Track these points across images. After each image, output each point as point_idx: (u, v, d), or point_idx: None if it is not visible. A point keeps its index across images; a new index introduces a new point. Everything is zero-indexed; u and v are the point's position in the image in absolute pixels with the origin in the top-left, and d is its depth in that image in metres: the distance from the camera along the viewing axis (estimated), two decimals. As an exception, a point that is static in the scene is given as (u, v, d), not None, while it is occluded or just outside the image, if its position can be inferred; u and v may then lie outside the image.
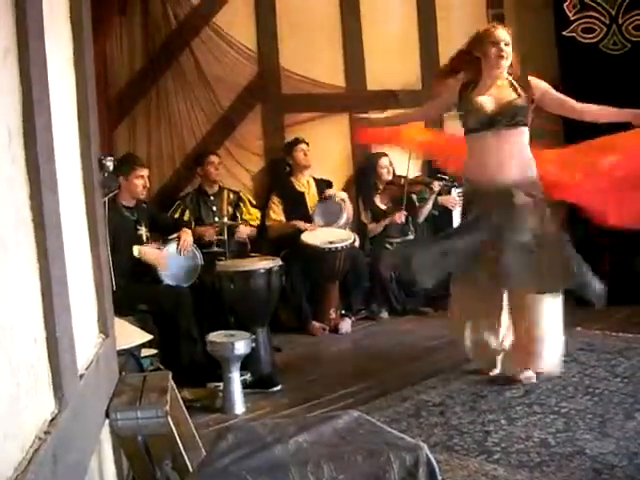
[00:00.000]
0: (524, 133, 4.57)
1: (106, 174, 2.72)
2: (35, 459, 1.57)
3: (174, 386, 2.88)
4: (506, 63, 4.55)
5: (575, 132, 6.15)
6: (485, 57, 4.57)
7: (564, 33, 7.02)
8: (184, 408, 2.99)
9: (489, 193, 4.57)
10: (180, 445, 2.52)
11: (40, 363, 1.80)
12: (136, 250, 5.45)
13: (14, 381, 1.59)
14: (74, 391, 1.98)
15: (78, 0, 2.58)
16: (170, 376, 2.90)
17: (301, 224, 6.78)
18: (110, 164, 2.71)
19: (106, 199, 2.98)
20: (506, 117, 4.48)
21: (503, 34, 4.54)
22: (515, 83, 4.59)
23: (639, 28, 6.89)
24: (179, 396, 2.97)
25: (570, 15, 6.99)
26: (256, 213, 6.91)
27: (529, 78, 4.64)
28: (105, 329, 2.66)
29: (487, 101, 4.54)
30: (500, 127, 4.49)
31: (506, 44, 4.53)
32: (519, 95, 4.54)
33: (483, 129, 4.54)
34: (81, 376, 2.14)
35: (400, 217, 7.05)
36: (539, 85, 4.64)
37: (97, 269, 2.60)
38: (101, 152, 2.79)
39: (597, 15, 6.94)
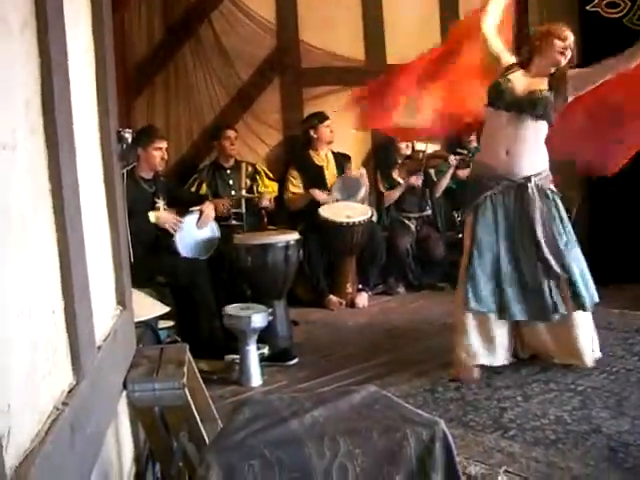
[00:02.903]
0: (542, 127, 4.47)
1: (124, 146, 2.71)
2: (53, 430, 1.57)
3: (191, 358, 2.88)
4: (563, 62, 4.46)
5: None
6: (546, 49, 4.47)
7: (587, 8, 6.92)
8: (201, 380, 3.00)
9: (496, 181, 4.52)
10: (197, 417, 2.53)
11: (58, 334, 1.80)
12: (153, 216, 5.46)
13: (32, 352, 1.59)
14: (92, 363, 1.98)
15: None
16: (187, 348, 2.91)
17: (318, 193, 6.77)
18: (129, 136, 2.70)
19: (124, 171, 2.97)
20: (528, 105, 4.39)
21: (571, 36, 4.48)
22: (553, 78, 4.51)
23: (665, 2, 6.80)
24: (196, 368, 2.97)
25: (594, -11, 6.89)
26: (272, 185, 6.90)
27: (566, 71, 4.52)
28: (123, 301, 2.66)
29: (518, 83, 4.45)
30: (519, 113, 4.41)
31: (570, 47, 4.47)
32: (550, 89, 4.45)
33: (502, 108, 4.45)
34: (99, 348, 2.14)
35: (417, 180, 7.02)
36: (573, 73, 4.51)
37: (115, 241, 2.60)
38: (119, 125, 2.78)
39: (621, -10, 6.85)
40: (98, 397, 2.04)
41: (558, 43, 4.41)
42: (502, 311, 4.46)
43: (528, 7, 7.34)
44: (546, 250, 4.40)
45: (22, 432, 1.45)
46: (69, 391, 1.78)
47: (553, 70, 4.48)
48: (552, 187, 4.55)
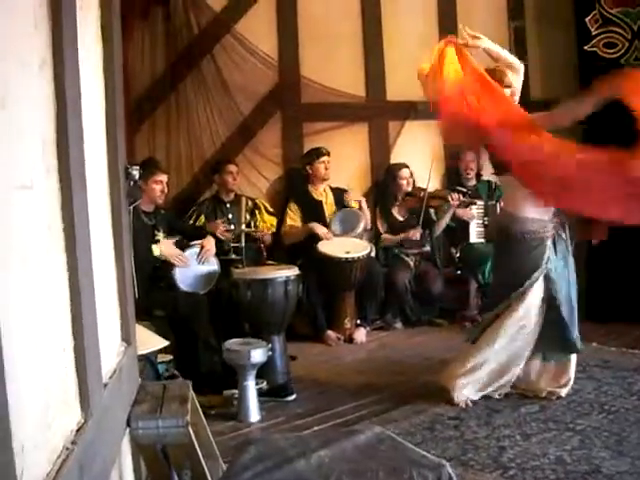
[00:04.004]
0: None
1: (132, 183, 2.73)
2: (62, 470, 1.57)
3: (194, 395, 2.88)
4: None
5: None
6: None
7: (586, 47, 7.00)
8: (203, 417, 2.99)
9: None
10: (200, 455, 2.53)
11: (68, 373, 1.80)
12: (157, 250, 5.47)
13: (45, 392, 1.59)
14: (99, 401, 1.98)
15: (108, 8, 2.59)
16: (190, 385, 2.91)
17: (317, 227, 6.79)
18: (136, 173, 2.72)
19: (131, 208, 2.98)
20: None
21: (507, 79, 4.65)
22: None
23: (661, 44, 6.89)
24: (198, 405, 2.97)
25: (592, 30, 6.97)
26: (271, 220, 6.91)
27: None
28: (127, 337, 2.66)
29: None
30: None
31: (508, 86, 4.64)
32: None
33: None
34: (105, 385, 2.14)
35: (415, 234, 7.05)
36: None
37: (120, 277, 2.61)
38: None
39: (619, 30, 6.92)
40: (104, 435, 2.03)
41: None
42: None
43: (527, 47, 7.44)
44: None
45: (34, 473, 1.45)
46: (77, 430, 1.78)
47: None
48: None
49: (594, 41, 6.99)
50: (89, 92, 2.27)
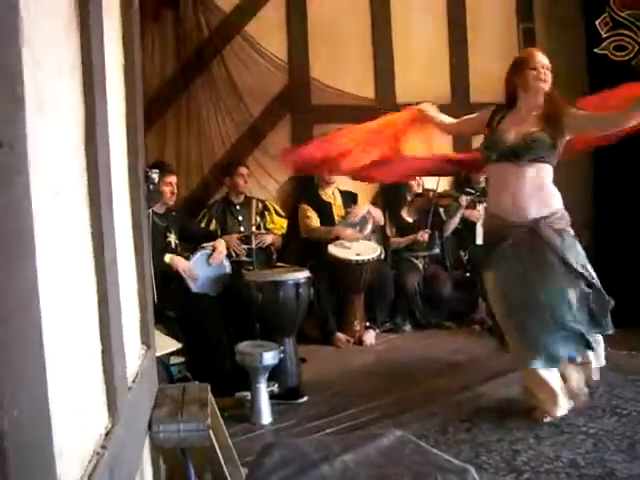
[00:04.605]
0: (544, 169, 4.35)
1: (151, 187, 2.74)
2: (94, 475, 1.58)
3: (212, 398, 2.89)
4: (546, 87, 4.38)
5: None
6: (524, 82, 4.38)
7: (595, 50, 7.01)
8: (221, 421, 3.00)
9: (506, 228, 4.42)
10: (220, 458, 2.54)
11: (96, 377, 1.81)
12: (168, 257, 5.49)
13: (77, 396, 1.60)
14: (125, 405, 1.99)
15: (128, 16, 2.60)
16: (209, 388, 2.92)
17: (341, 230, 6.79)
18: (155, 177, 2.73)
19: (150, 211, 2.99)
20: (523, 150, 4.30)
21: (543, 58, 4.40)
22: (547, 115, 4.36)
23: (671, 46, 6.90)
24: (217, 408, 2.98)
25: (602, 32, 6.98)
26: (281, 222, 6.92)
27: (562, 106, 4.38)
28: (147, 340, 2.67)
29: (508, 132, 4.38)
30: (517, 159, 4.31)
31: (547, 68, 4.39)
32: (544, 128, 4.32)
33: (501, 161, 4.38)
34: (129, 389, 2.15)
35: (423, 236, 7.06)
36: (569, 112, 4.37)
37: (141, 280, 2.61)
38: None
39: (629, 33, 6.93)
40: (131, 439, 2.04)
41: (532, 73, 4.33)
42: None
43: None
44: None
45: (69, 478, 1.46)
46: (106, 434, 1.79)
47: (542, 100, 4.39)
48: (569, 229, 4.42)
49: (604, 44, 7.01)
50: (111, 98, 2.28)
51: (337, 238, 6.72)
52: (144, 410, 2.45)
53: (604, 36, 6.99)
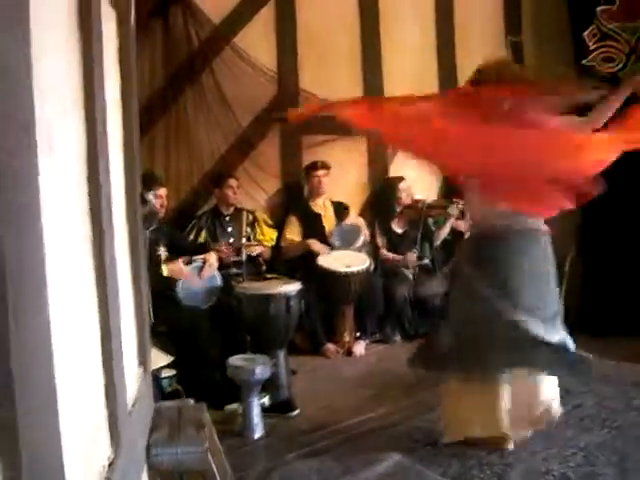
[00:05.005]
0: None
1: (148, 209, 2.75)
2: (99, 507, 1.59)
3: (209, 418, 2.90)
4: None
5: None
6: None
7: (583, 62, 7.06)
8: (218, 441, 3.01)
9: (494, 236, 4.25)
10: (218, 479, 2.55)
11: (100, 410, 1.82)
12: (166, 269, 5.50)
13: (84, 432, 1.61)
14: (126, 432, 1.99)
15: (125, 39, 2.62)
16: (205, 408, 2.92)
17: (314, 244, 6.81)
18: (152, 198, 2.74)
19: (147, 232, 3.00)
20: None
21: None
22: None
23: (659, 58, 6.96)
24: (213, 428, 2.99)
25: (590, 44, 7.03)
26: (270, 234, 6.92)
27: None
28: (144, 361, 2.68)
29: None
30: None
31: None
32: None
33: None
34: (130, 414, 2.16)
35: (412, 258, 7.09)
36: None
37: (139, 303, 2.62)
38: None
39: (616, 45, 6.98)
40: (132, 465, 2.05)
41: None
42: None
43: (524, 61, 7.48)
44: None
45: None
46: (109, 465, 1.80)
47: None
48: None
49: (592, 56, 7.05)
50: (110, 123, 2.29)
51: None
52: (143, 433, 2.46)
53: (592, 48, 7.04)
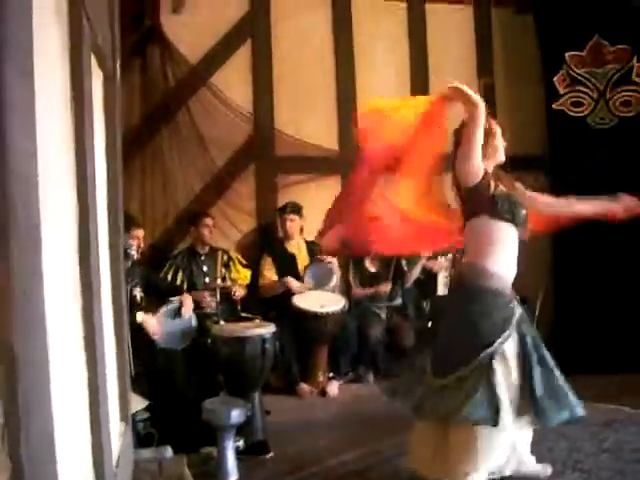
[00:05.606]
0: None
1: (130, 263, 2.77)
2: None
3: (188, 473, 2.91)
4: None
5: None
6: (491, 151, 4.21)
7: (554, 106, 7.20)
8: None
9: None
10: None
11: (89, 473, 1.84)
12: (140, 317, 5.48)
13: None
14: (111, 495, 2.01)
15: (112, 94, 2.66)
16: (185, 461, 2.93)
17: (291, 281, 6.85)
18: (134, 253, 2.76)
19: (129, 287, 3.02)
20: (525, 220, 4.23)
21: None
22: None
23: (626, 104, 7.12)
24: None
25: (560, 89, 7.18)
26: (245, 273, 6.94)
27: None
28: (125, 416, 2.69)
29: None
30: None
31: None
32: None
33: (513, 222, 4.19)
34: (114, 475, 2.17)
35: (385, 288, 7.14)
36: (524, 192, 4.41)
37: (120, 360, 2.64)
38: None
39: (586, 90, 7.14)
40: (116, 529, 2.06)
41: (498, 144, 4.24)
42: None
43: (496, 103, 7.60)
44: None
45: None
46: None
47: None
48: None
49: (562, 100, 7.20)
50: (98, 182, 2.32)
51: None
52: (125, 491, 2.46)
53: (561, 92, 7.19)
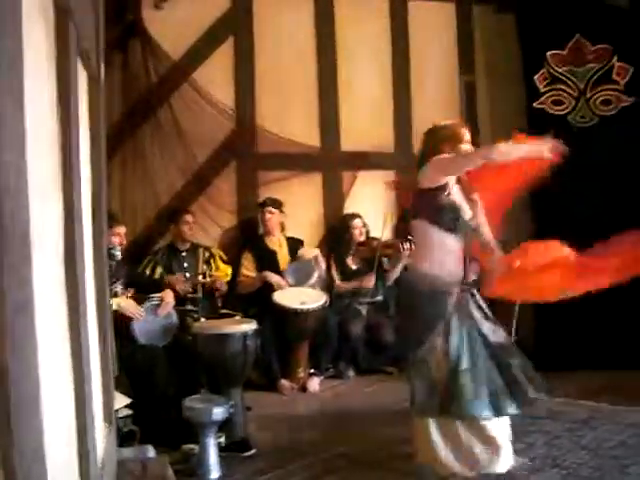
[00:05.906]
0: None
1: (114, 264, 2.78)
2: None
3: (172, 474, 2.92)
4: None
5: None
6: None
7: (534, 105, 7.24)
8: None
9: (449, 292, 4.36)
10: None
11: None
12: (115, 303, 5.45)
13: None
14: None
15: (96, 94, 2.66)
16: (168, 461, 2.94)
17: (271, 275, 6.86)
18: (118, 254, 2.77)
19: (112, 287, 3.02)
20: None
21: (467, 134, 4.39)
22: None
23: (607, 103, 7.16)
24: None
25: (540, 87, 7.22)
26: (226, 269, 6.95)
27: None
28: (109, 417, 2.70)
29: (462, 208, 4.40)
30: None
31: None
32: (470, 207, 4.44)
33: (456, 231, 4.36)
34: (100, 476, 2.18)
35: (369, 281, 7.16)
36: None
37: (104, 360, 2.65)
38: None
39: (566, 88, 7.19)
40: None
41: (464, 147, 4.30)
42: None
43: (477, 102, 7.64)
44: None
45: None
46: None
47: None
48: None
49: (542, 98, 7.25)
50: (83, 187, 2.33)
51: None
52: (109, 494, 2.47)
53: (542, 91, 7.23)
